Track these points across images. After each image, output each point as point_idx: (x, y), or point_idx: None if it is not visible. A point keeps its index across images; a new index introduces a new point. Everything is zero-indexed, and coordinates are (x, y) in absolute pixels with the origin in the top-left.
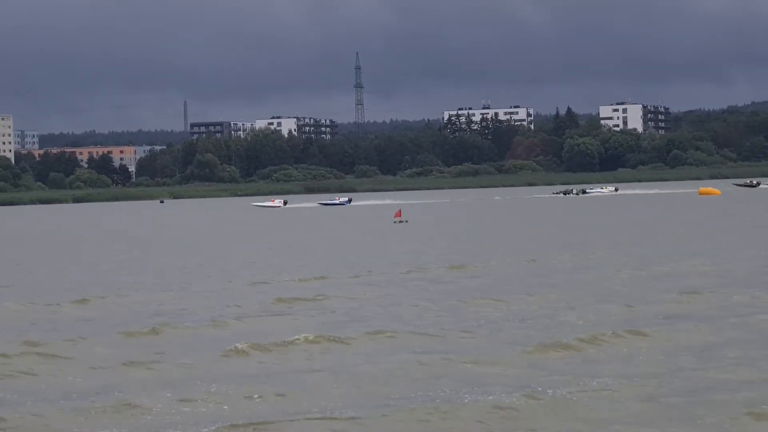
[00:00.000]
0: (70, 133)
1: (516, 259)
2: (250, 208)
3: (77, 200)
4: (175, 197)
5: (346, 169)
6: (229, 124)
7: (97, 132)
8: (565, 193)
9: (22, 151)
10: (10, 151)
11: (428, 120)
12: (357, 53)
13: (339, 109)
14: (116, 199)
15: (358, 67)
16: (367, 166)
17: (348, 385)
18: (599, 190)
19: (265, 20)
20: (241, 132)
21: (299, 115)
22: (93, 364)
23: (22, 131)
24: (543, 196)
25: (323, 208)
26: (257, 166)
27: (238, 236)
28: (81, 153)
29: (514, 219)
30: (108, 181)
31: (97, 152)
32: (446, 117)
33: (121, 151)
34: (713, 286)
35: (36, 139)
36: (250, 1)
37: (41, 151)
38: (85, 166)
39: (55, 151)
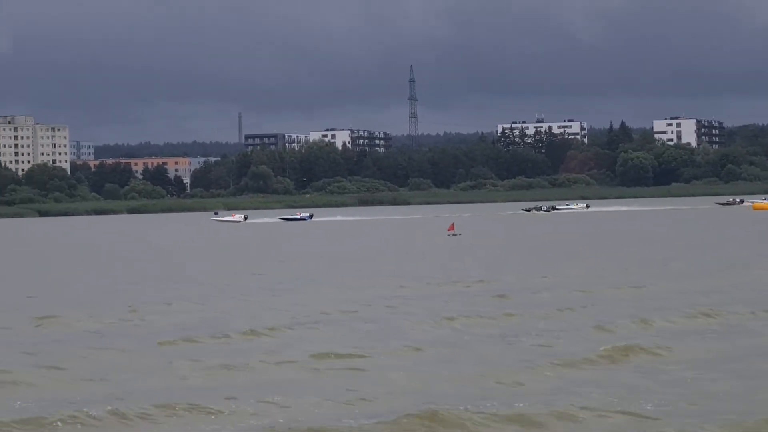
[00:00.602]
0: (126, 144)
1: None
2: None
3: (132, 211)
4: (229, 208)
5: (400, 182)
6: (284, 136)
7: (152, 143)
8: (529, 210)
9: (78, 162)
10: (66, 161)
11: (482, 133)
12: (411, 66)
13: (393, 122)
14: (171, 210)
15: (412, 80)
16: (421, 179)
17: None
18: (570, 206)
19: (320, 33)
20: (296, 144)
21: (353, 128)
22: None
23: (78, 142)
24: (510, 213)
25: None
26: (311, 178)
27: (281, 251)
28: (136, 164)
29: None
30: (162, 192)
31: (152, 163)
32: (500, 130)
33: (176, 162)
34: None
35: (91, 150)
36: (305, 13)
37: (97, 162)
38: (140, 177)
39: (110, 161)
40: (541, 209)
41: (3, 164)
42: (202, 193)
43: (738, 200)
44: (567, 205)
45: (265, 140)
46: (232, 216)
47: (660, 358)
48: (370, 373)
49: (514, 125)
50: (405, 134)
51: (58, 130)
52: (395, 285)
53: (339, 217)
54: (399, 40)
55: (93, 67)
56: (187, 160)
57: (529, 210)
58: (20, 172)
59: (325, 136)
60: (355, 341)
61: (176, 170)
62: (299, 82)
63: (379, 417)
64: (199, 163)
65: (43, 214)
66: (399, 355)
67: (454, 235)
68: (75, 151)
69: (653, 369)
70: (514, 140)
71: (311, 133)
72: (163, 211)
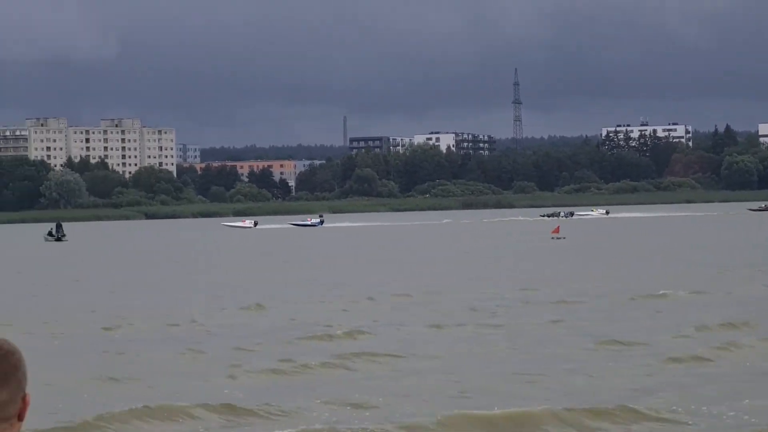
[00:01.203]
0: (231, 147)
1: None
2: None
3: (237, 213)
4: (334, 211)
5: (504, 185)
6: (388, 139)
7: (257, 146)
8: (549, 216)
9: (184, 165)
10: (173, 164)
11: (586, 136)
12: (516, 69)
13: (497, 125)
14: (276, 212)
15: (516, 84)
16: (525, 182)
17: None
18: (589, 212)
19: (424, 36)
20: (400, 147)
21: (458, 131)
22: None
23: (184, 145)
24: (527, 219)
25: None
26: (415, 181)
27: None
28: (242, 167)
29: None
30: (268, 195)
31: (258, 166)
32: (604, 133)
33: (282, 165)
34: None
35: (198, 153)
36: (409, 17)
37: (203, 165)
38: (246, 179)
39: (216, 164)
40: (559, 215)
41: (110, 167)
42: (307, 196)
43: None
44: (588, 211)
45: (370, 143)
46: (243, 222)
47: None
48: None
49: (618, 128)
50: (509, 137)
51: (165, 132)
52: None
53: (347, 223)
54: (502, 43)
55: (199, 71)
56: (292, 163)
57: (549, 216)
58: (127, 175)
59: (430, 139)
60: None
61: (281, 173)
62: (404, 86)
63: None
64: (304, 166)
65: (149, 216)
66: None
67: (558, 238)
68: (181, 153)
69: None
70: (619, 143)
71: (416, 136)
72: (268, 213)
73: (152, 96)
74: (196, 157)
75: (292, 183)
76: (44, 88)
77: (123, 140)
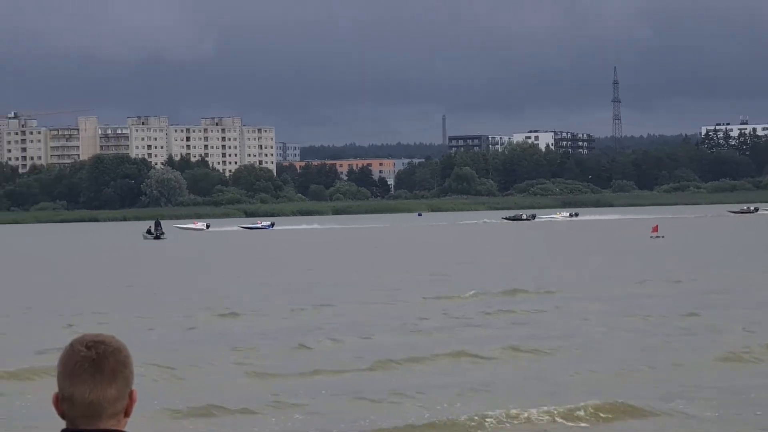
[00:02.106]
0: (331, 145)
1: None
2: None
3: (337, 212)
4: (433, 210)
5: (603, 184)
6: (487, 138)
7: (357, 144)
8: (512, 219)
9: (284, 163)
10: (272, 162)
11: (685, 135)
12: (615, 68)
13: (596, 123)
14: (375, 211)
15: (615, 82)
16: (624, 181)
17: None
18: (552, 216)
19: (523, 34)
20: (499, 146)
21: (556, 129)
22: None
23: (284, 143)
24: (491, 221)
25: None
26: (514, 179)
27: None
28: (341, 165)
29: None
30: (367, 193)
31: (357, 165)
32: (703, 132)
33: (381, 164)
34: None
35: (297, 152)
36: (507, 15)
37: (302, 163)
38: (345, 178)
39: (315, 163)
40: (521, 218)
41: (211, 165)
42: (406, 194)
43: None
44: (556, 212)
45: (469, 142)
46: (194, 223)
47: None
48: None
49: (717, 127)
50: (608, 136)
51: (265, 131)
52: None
53: (304, 226)
54: (600, 41)
55: (299, 69)
56: (391, 161)
57: (511, 219)
58: (227, 173)
59: (529, 137)
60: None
61: (380, 171)
62: (503, 84)
63: None
64: (403, 164)
65: (249, 214)
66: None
67: (657, 237)
68: (281, 152)
69: None
70: (718, 142)
71: (515, 134)
72: (367, 212)
73: (252, 94)
74: (295, 155)
75: (391, 181)
76: (145, 87)
77: (223, 138)
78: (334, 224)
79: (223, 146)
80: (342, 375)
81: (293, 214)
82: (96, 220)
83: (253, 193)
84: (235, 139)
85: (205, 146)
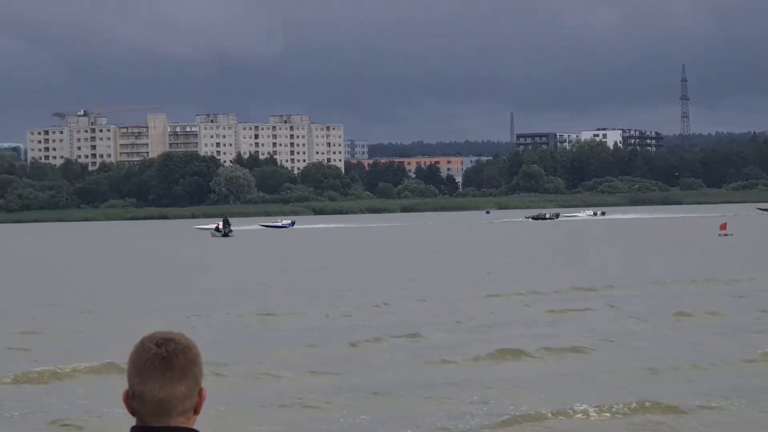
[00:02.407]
0: (399, 143)
1: None
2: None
3: (405, 210)
4: (501, 208)
5: (671, 182)
6: (555, 136)
7: (425, 142)
8: (534, 218)
9: (352, 161)
10: (341, 160)
11: (754, 133)
12: (683, 65)
13: (664, 121)
14: (443, 209)
15: (684, 80)
16: (692, 179)
17: None
18: (575, 214)
19: (589, 32)
20: (567, 143)
21: (624, 127)
22: None
23: (352, 141)
24: (514, 220)
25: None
26: (582, 177)
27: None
28: (409, 163)
29: None
30: (435, 191)
31: (425, 162)
32: None
33: (449, 161)
34: None
35: (365, 149)
36: (574, 12)
37: (370, 161)
38: (413, 176)
39: (383, 161)
40: (545, 217)
41: (279, 162)
42: (473, 192)
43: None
44: (579, 211)
45: (537, 140)
46: (216, 224)
47: None
48: None
49: None
50: (677, 134)
51: (333, 129)
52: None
53: (322, 225)
54: (667, 38)
55: (366, 67)
56: (459, 159)
57: (534, 218)
58: (296, 171)
59: (597, 135)
60: None
61: (448, 169)
62: (570, 82)
63: None
64: (471, 162)
65: (317, 212)
66: None
67: (725, 235)
68: (349, 150)
69: None
70: None
71: (582, 132)
72: (435, 209)
73: (320, 92)
74: (363, 153)
75: (459, 179)
76: (214, 85)
77: (291, 136)
78: (357, 223)
79: (292, 144)
80: (401, 373)
81: (361, 211)
82: (165, 217)
83: (322, 190)
84: (303, 136)
85: (274, 144)
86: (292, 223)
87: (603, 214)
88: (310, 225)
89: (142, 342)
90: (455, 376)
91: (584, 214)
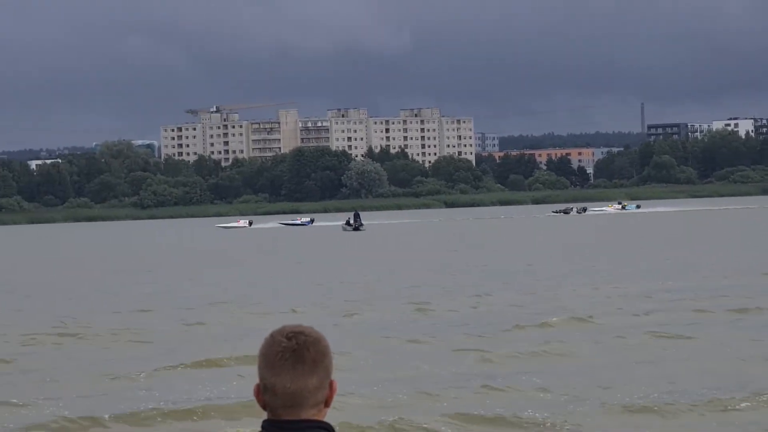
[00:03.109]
0: (529, 135)
1: None
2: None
3: (536, 201)
4: (632, 198)
5: None
6: (686, 126)
7: (555, 134)
8: (565, 212)
9: (483, 154)
10: (471, 153)
11: None
12: None
13: None
14: (574, 200)
15: None
16: None
17: None
18: (603, 208)
19: (719, 19)
20: (698, 133)
21: (757, 116)
22: None
23: (483, 134)
24: (540, 216)
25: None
26: (713, 167)
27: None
28: (540, 155)
29: None
30: (566, 182)
31: (556, 154)
32: None
33: (579, 153)
34: None
35: (496, 142)
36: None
37: (501, 154)
38: (544, 167)
39: (514, 153)
40: (571, 211)
41: (410, 156)
42: (605, 183)
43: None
44: (607, 205)
45: (668, 130)
46: (237, 222)
47: None
48: None
49: None
50: None
51: (463, 122)
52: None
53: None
54: None
55: (495, 60)
56: (590, 150)
57: (562, 212)
58: (427, 164)
59: (728, 125)
60: None
61: (579, 161)
62: (701, 71)
63: None
64: (602, 153)
65: (449, 205)
66: None
67: None
68: (480, 142)
69: None
70: None
71: (714, 122)
72: (566, 201)
73: (449, 85)
74: (494, 145)
75: (590, 170)
76: (344, 80)
77: (422, 130)
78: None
79: (423, 137)
80: (504, 364)
81: (492, 204)
82: (297, 212)
83: (453, 183)
84: (434, 130)
85: (405, 138)
86: (311, 221)
87: (638, 207)
88: (328, 222)
89: (272, 335)
90: (543, 367)
91: (612, 207)
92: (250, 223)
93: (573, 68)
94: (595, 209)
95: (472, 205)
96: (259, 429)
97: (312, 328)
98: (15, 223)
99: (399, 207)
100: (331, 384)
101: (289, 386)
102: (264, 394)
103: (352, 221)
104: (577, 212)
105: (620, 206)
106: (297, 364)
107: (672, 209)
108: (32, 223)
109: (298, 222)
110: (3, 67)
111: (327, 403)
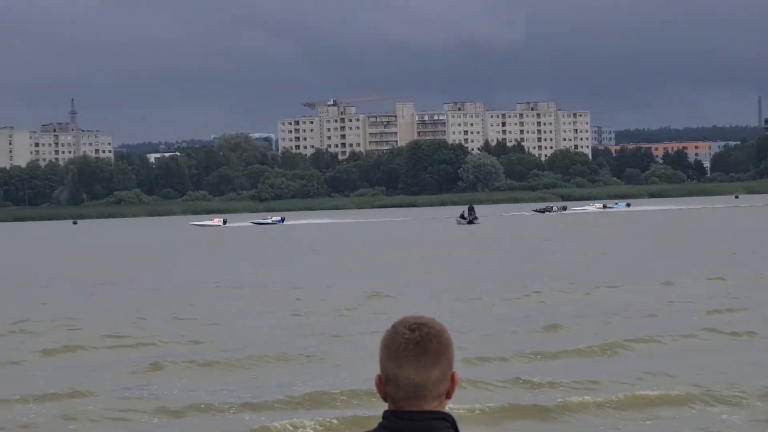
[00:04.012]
0: (645, 129)
1: None
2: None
3: (652, 195)
4: (749, 192)
5: None
6: None
7: (671, 128)
8: (542, 211)
9: (599, 147)
10: (588, 147)
11: None
12: None
13: None
14: (690, 194)
15: None
16: None
17: None
18: (585, 207)
19: None
20: None
21: None
22: None
23: (599, 127)
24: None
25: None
26: None
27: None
28: (656, 149)
29: None
30: (683, 176)
31: (672, 148)
32: None
33: (696, 147)
34: None
35: (612, 135)
36: None
37: (617, 147)
38: (660, 161)
39: (630, 146)
40: (552, 210)
41: (526, 150)
42: (721, 177)
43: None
44: (589, 204)
45: None
46: (211, 220)
47: None
48: None
49: None
50: None
51: (580, 116)
52: None
53: (315, 220)
54: None
55: (611, 53)
56: (707, 144)
57: (541, 211)
58: (543, 158)
59: None
60: None
61: (696, 154)
62: None
63: None
64: (718, 147)
65: (565, 198)
66: None
67: None
68: (596, 136)
69: None
70: None
71: None
72: (682, 195)
73: (565, 79)
74: (610, 139)
75: (706, 164)
76: (460, 74)
77: (538, 123)
78: (348, 218)
79: (539, 131)
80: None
81: (608, 197)
82: (414, 205)
83: (569, 177)
84: (550, 123)
85: (521, 131)
86: (282, 220)
87: (628, 205)
88: (299, 221)
89: (394, 327)
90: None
91: (593, 207)
92: (224, 222)
93: (688, 61)
94: (576, 209)
95: (588, 198)
96: (380, 419)
97: (434, 320)
98: (134, 215)
99: (515, 200)
100: (452, 376)
101: (412, 378)
102: (386, 385)
103: (466, 214)
104: (557, 210)
105: (601, 206)
106: (420, 356)
107: (673, 207)
108: (151, 215)
109: (269, 221)
110: (123, 63)
111: (449, 395)
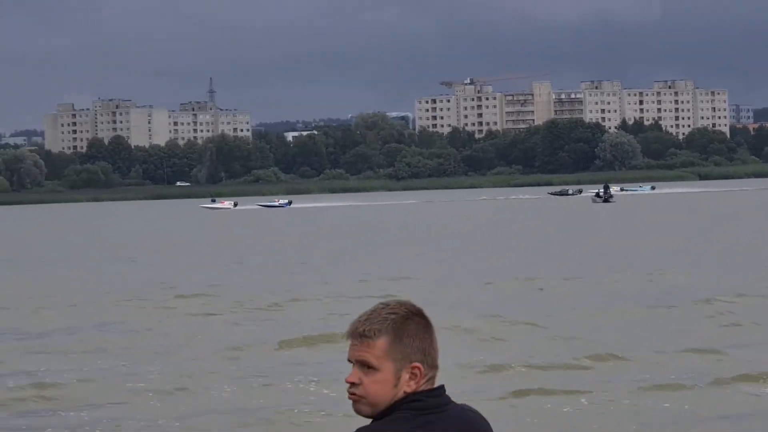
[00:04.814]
0: None
1: None
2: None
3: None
4: None
5: None
6: None
7: None
8: (559, 194)
9: (737, 126)
10: (725, 125)
11: None
12: None
13: None
14: None
15: None
16: None
17: None
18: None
19: None
20: None
21: None
22: None
23: (737, 106)
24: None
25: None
26: None
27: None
28: None
29: None
30: None
31: None
32: None
33: None
34: None
35: (750, 114)
36: None
37: (756, 125)
38: None
39: None
40: (568, 193)
41: (664, 128)
42: None
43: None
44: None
45: None
46: (222, 203)
47: None
48: None
49: None
50: None
51: (718, 94)
52: None
53: (323, 203)
54: None
55: (750, 30)
56: None
57: (558, 194)
58: (680, 136)
59: None
60: None
61: None
62: None
63: None
64: None
65: (702, 177)
66: None
67: None
68: (734, 114)
69: None
70: None
71: None
72: None
73: (703, 56)
74: (749, 117)
75: None
76: (597, 51)
77: (676, 102)
78: (351, 201)
79: (676, 109)
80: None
81: (747, 176)
82: (550, 184)
83: (707, 156)
84: (688, 102)
85: (658, 110)
86: (289, 203)
87: (653, 188)
88: (308, 204)
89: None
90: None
91: (612, 190)
92: (235, 205)
93: None
94: (592, 191)
95: (726, 177)
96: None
97: (410, 302)
98: (272, 194)
99: (651, 179)
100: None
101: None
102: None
103: (601, 193)
104: (572, 194)
105: (619, 189)
106: (429, 327)
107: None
108: (288, 194)
109: (276, 204)
110: (261, 42)
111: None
